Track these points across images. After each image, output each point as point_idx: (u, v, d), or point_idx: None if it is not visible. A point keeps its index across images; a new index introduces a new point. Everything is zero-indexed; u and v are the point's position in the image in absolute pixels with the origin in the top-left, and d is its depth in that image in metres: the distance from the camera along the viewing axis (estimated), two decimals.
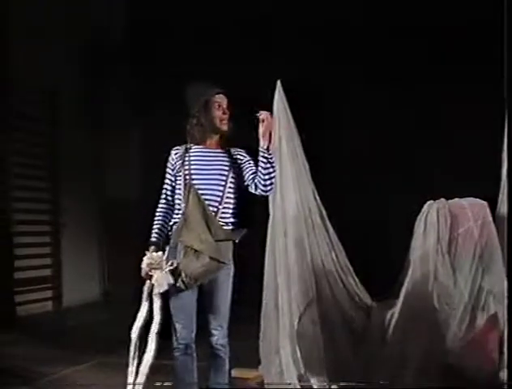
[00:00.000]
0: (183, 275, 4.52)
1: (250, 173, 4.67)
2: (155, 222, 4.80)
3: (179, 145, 4.83)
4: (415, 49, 8.64)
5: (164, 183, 4.83)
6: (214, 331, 4.67)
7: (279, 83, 6.06)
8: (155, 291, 4.57)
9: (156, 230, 4.77)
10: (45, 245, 9.62)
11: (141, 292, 4.68)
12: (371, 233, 8.43)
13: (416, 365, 5.76)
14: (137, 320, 4.66)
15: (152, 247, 4.69)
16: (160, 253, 4.62)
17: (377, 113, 8.68)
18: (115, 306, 9.63)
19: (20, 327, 8.37)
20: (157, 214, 4.82)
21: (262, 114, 4.61)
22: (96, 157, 10.40)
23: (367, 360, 6.11)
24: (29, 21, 8.83)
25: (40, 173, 9.68)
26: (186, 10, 9.38)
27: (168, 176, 4.81)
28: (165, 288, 4.54)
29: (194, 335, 4.71)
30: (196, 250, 4.53)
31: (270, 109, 5.92)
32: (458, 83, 7.87)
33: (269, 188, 4.65)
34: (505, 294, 5.19)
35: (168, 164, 4.81)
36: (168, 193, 4.79)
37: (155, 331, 4.59)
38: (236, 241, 4.71)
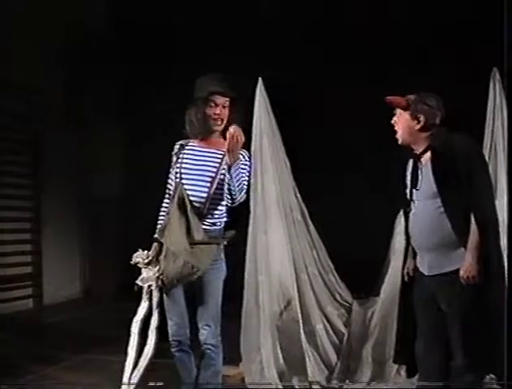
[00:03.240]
0: (163, 274, 4.54)
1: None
2: (160, 217, 4.81)
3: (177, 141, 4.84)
4: (397, 47, 8.69)
5: (167, 177, 4.83)
6: (202, 330, 4.67)
7: (260, 79, 6.06)
8: (141, 283, 4.63)
9: (161, 225, 4.77)
10: (26, 243, 9.57)
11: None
12: (352, 231, 8.45)
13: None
14: (137, 314, 4.67)
15: (155, 244, 4.70)
16: (146, 251, 4.65)
17: (358, 111, 8.71)
18: (96, 304, 9.64)
19: (0, 325, 8.32)
20: (162, 209, 4.83)
21: (232, 130, 4.48)
22: (79, 156, 10.35)
23: (348, 358, 6.13)
24: (13, 18, 8.77)
25: (21, 170, 9.62)
26: (171, 9, 9.36)
27: (171, 170, 4.80)
28: (151, 283, 4.59)
29: (188, 331, 4.73)
30: (174, 252, 4.53)
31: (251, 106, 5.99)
32: (441, 82, 7.90)
33: (232, 202, 4.63)
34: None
35: (172, 159, 4.80)
36: (170, 188, 4.78)
37: (155, 325, 4.61)
38: (224, 243, 4.70)
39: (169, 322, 4.70)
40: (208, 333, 4.67)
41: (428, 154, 4.55)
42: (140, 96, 9.85)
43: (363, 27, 8.74)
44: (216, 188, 4.63)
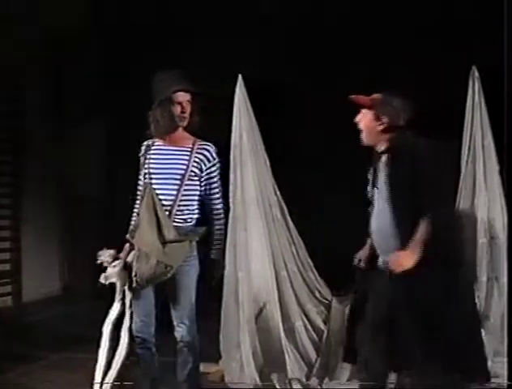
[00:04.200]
0: (137, 275, 4.53)
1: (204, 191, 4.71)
2: (132, 219, 4.82)
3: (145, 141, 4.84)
4: (377, 46, 8.71)
5: (138, 178, 4.83)
6: (178, 328, 4.68)
7: (240, 77, 6.06)
8: (104, 281, 4.60)
9: (132, 226, 4.78)
10: (4, 240, 9.51)
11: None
12: (331, 228, 8.45)
13: None
14: (109, 315, 4.66)
15: (127, 244, 4.70)
16: (111, 251, 4.63)
17: (339, 110, 8.71)
18: (75, 302, 9.60)
19: None
20: (134, 210, 4.82)
21: None
22: (59, 154, 10.30)
23: (327, 355, 6.14)
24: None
25: (1, 168, 9.56)
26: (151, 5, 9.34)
27: (140, 172, 4.80)
28: (113, 279, 4.57)
29: (152, 330, 4.72)
30: (146, 253, 4.53)
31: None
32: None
33: None
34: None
35: (140, 160, 4.82)
36: (140, 189, 4.79)
37: (128, 325, 4.59)
38: (196, 239, 4.68)
39: (135, 319, 4.69)
40: (184, 330, 4.67)
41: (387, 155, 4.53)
42: (119, 97, 9.83)
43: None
44: (186, 184, 4.64)
